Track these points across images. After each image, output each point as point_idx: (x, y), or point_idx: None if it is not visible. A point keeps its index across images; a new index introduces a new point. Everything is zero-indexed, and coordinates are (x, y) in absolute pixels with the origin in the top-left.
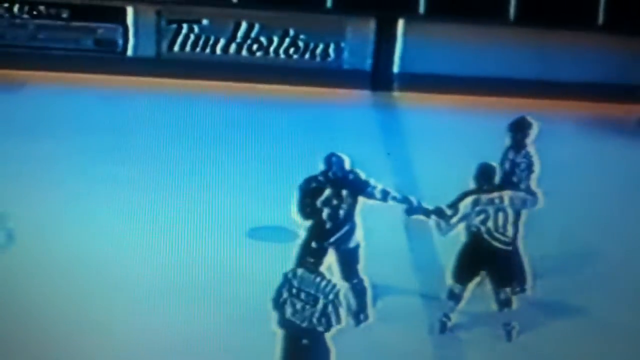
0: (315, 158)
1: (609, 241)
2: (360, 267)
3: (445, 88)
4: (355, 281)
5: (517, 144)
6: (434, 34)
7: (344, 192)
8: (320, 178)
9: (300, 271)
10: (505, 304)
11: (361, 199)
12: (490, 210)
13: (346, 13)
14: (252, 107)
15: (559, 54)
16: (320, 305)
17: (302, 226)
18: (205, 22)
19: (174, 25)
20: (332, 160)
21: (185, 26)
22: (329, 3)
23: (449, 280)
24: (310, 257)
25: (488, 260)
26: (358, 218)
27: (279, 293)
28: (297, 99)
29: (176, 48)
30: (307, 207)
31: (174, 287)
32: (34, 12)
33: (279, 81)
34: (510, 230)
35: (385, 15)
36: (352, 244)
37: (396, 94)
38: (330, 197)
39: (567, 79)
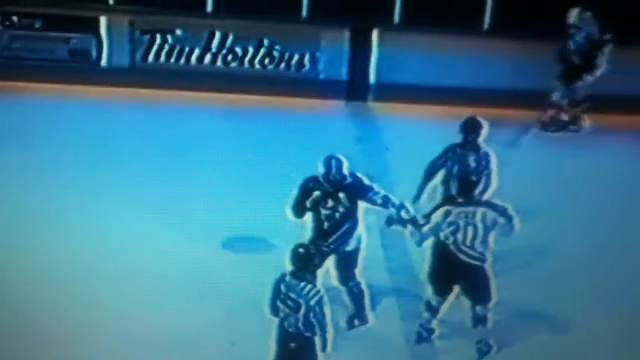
0: (291, 168)
1: (589, 254)
2: (358, 270)
3: (421, 98)
4: (351, 284)
5: (470, 144)
6: (409, 43)
7: (342, 195)
8: (319, 179)
9: (288, 277)
10: (479, 321)
11: (360, 203)
12: (461, 223)
13: (321, 23)
14: (227, 117)
15: (534, 64)
16: (302, 312)
17: (279, 234)
18: (179, 32)
19: (148, 36)
20: (331, 162)
21: (159, 36)
22: (303, 13)
23: (427, 292)
24: (305, 260)
25: (459, 274)
26: (358, 221)
27: (272, 299)
28: (273, 109)
29: (150, 58)
30: (303, 207)
31: (150, 296)
32: (7, 23)
33: (254, 91)
34: (479, 246)
35: (360, 25)
36: (350, 247)
37: (372, 103)
38: (326, 199)
39: (543, 88)
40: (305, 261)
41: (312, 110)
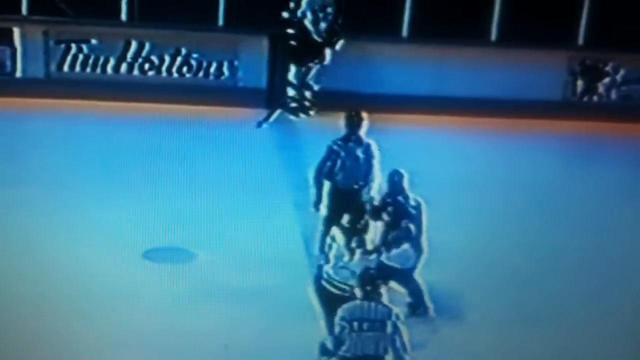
0: (211, 177)
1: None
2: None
3: (339, 104)
4: None
5: (354, 137)
6: None
7: (390, 209)
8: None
9: (359, 302)
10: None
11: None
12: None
13: (238, 32)
14: (145, 127)
15: (452, 70)
16: (389, 329)
17: (201, 244)
18: (93, 41)
19: (62, 46)
20: (394, 178)
21: (74, 46)
22: (220, 21)
23: None
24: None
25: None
26: None
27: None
28: (193, 118)
29: (66, 68)
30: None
31: (73, 308)
32: None
33: (172, 100)
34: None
35: (277, 33)
36: None
37: None
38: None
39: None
40: (376, 281)
41: (232, 118)
